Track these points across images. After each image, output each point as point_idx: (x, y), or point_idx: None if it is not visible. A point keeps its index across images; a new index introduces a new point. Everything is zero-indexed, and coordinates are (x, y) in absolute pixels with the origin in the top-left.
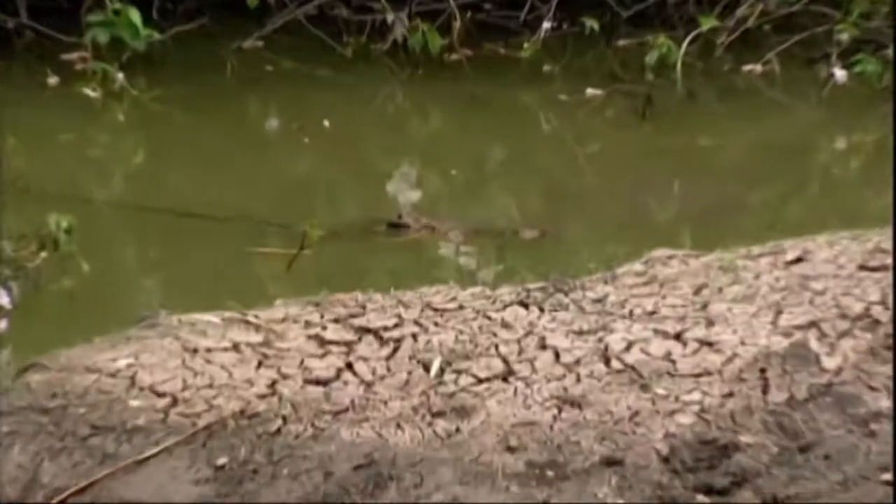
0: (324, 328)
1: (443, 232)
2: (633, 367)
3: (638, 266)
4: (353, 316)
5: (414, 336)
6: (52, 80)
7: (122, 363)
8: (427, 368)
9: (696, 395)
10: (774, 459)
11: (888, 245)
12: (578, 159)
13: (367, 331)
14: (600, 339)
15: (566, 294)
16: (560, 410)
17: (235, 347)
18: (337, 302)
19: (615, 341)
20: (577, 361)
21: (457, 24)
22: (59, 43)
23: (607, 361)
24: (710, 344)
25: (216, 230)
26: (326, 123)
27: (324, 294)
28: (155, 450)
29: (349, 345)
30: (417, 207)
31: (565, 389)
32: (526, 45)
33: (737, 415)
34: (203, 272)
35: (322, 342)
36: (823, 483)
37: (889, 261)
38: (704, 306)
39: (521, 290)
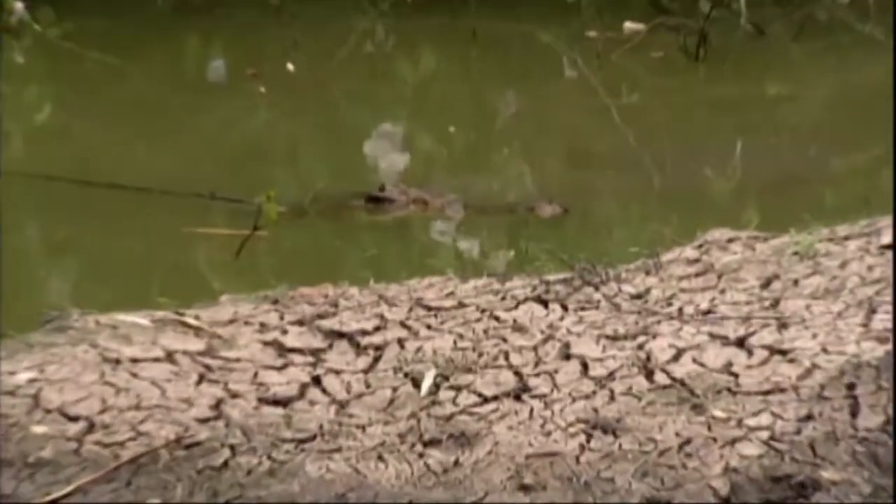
0: (284, 332)
1: (437, 207)
2: (682, 383)
3: (689, 251)
4: (321, 316)
5: (400, 342)
6: None
7: (22, 378)
8: (417, 384)
9: (764, 419)
10: (866, 501)
11: None
12: (611, 114)
13: (340, 335)
14: (640, 346)
15: (596, 288)
16: (589, 438)
17: (170, 357)
18: (301, 298)
19: (660, 349)
20: (611, 375)
21: None
22: None
23: (649, 375)
24: (782, 352)
25: (144, 205)
26: (290, 67)
27: (284, 288)
28: (66, 489)
29: (316, 353)
30: (405, 176)
31: (595, 411)
32: None
33: (818, 444)
34: (128, 260)
35: (281, 350)
36: None
37: None
38: (775, 303)
39: (538, 283)
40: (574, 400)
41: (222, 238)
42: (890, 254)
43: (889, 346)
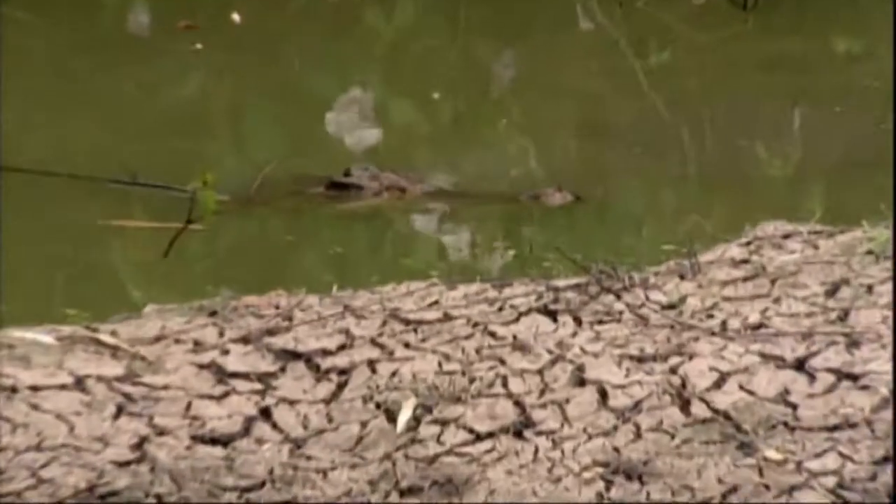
0: (224, 352)
1: (417, 195)
2: (726, 415)
3: (735, 250)
4: (271, 332)
5: (371, 365)
6: None
7: None
8: (392, 417)
9: (830, 461)
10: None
11: None
12: (638, 77)
13: (296, 356)
14: (673, 370)
15: (618, 295)
16: (609, 486)
17: (80, 384)
18: (246, 309)
19: (698, 373)
20: (636, 406)
21: None
22: None
23: (685, 405)
24: (852, 377)
25: (52, 192)
26: (235, 18)
27: (224, 296)
28: None
29: (265, 379)
30: (377, 156)
31: (617, 451)
32: None
33: None
34: (27, 262)
35: (221, 375)
36: None
37: None
38: (843, 316)
39: (544, 290)
40: (590, 437)
41: (146, 233)
42: None
43: None
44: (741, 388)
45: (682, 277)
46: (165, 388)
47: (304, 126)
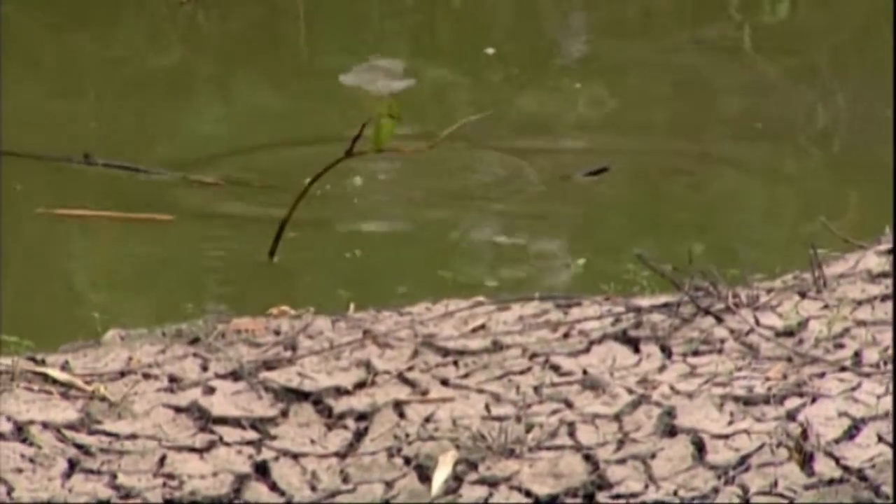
0: (209, 391)
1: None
2: (860, 475)
3: (872, 259)
4: (269, 365)
5: (398, 408)
6: None
7: None
8: (426, 476)
9: None
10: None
11: None
12: (743, 36)
13: (301, 396)
14: (791, 415)
15: (718, 318)
16: None
17: (21, 433)
18: (236, 335)
19: (823, 419)
20: (743, 462)
21: None
22: None
23: (807, 461)
24: None
25: None
26: None
27: (209, 318)
28: None
29: (262, 426)
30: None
31: None
32: None
33: None
34: None
35: (205, 421)
36: None
37: None
38: None
39: (622, 311)
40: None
41: (104, 226)
42: None
43: None
44: (880, 439)
45: (802, 295)
46: (132, 437)
47: (312, 92)
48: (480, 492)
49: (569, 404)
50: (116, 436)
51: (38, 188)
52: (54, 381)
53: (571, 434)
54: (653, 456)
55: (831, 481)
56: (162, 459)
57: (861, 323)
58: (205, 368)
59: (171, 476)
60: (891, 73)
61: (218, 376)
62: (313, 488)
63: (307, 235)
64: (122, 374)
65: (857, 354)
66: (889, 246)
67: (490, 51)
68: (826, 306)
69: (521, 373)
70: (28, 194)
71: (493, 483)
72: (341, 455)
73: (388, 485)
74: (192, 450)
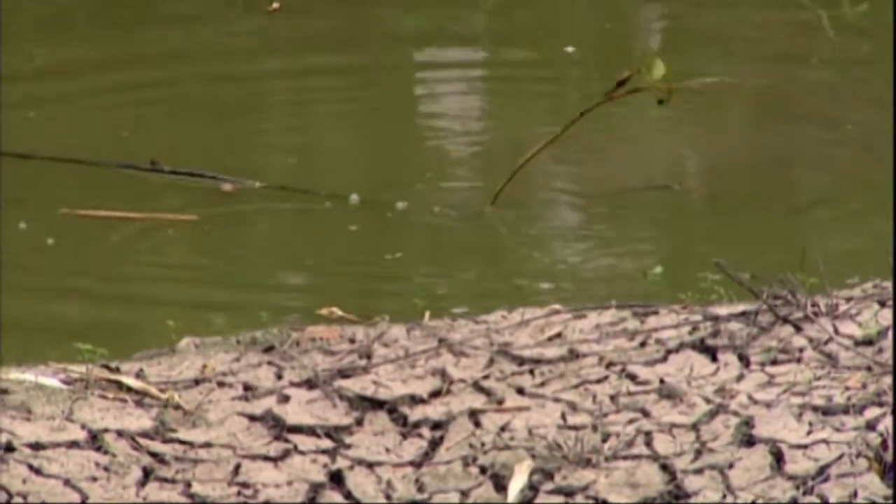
0: (284, 399)
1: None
2: None
3: None
4: (344, 374)
5: (474, 416)
6: None
7: None
8: (502, 485)
9: None
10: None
11: None
12: (821, 29)
13: (376, 405)
14: (871, 425)
15: (797, 327)
16: None
17: (95, 441)
18: (311, 344)
19: None
20: (822, 472)
21: None
22: None
23: (887, 471)
24: None
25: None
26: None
27: (283, 326)
28: None
29: (337, 435)
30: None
31: None
32: None
33: None
34: (27, 272)
35: (279, 429)
36: None
37: None
38: None
39: (700, 319)
40: None
41: (177, 227)
42: None
43: None
44: None
45: (881, 304)
46: (207, 445)
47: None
48: (556, 501)
49: (645, 413)
50: (191, 444)
51: (88, 192)
52: (129, 389)
53: (648, 443)
54: (730, 466)
55: None
56: (236, 468)
57: None
58: (279, 376)
59: (245, 485)
60: None
61: (293, 384)
62: (388, 497)
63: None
64: (197, 382)
65: None
66: None
67: (570, 48)
68: None
69: (598, 381)
70: (79, 197)
71: (569, 493)
72: (416, 464)
73: (464, 494)
74: (267, 458)
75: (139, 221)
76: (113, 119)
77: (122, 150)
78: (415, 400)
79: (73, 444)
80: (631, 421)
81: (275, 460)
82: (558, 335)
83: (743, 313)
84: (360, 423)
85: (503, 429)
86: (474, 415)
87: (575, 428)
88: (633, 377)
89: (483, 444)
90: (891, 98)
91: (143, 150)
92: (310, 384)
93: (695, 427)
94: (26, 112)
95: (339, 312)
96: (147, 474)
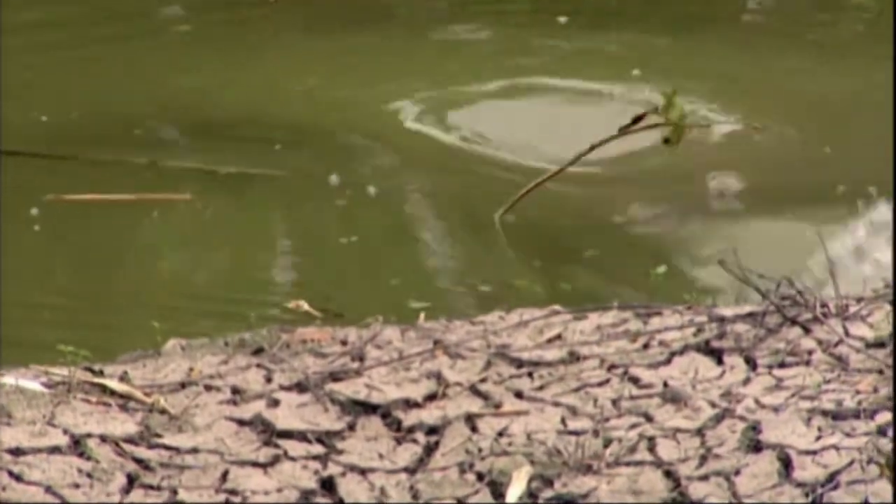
0: (273, 403)
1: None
2: None
3: None
4: (336, 376)
5: (470, 421)
6: None
7: None
8: (500, 492)
9: None
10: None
11: None
12: None
13: (369, 409)
14: (882, 431)
15: (806, 329)
16: None
17: (77, 446)
18: (301, 345)
19: None
20: (832, 479)
21: None
22: None
23: None
24: None
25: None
26: None
27: (272, 327)
28: None
29: (328, 440)
30: None
31: None
32: None
33: None
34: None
35: (269, 434)
36: None
37: None
38: None
39: (705, 321)
40: None
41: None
42: None
43: None
44: None
45: (894, 304)
46: (194, 451)
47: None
48: None
49: (649, 418)
50: (177, 450)
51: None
52: (112, 393)
53: (651, 449)
54: (737, 472)
55: None
56: (224, 474)
57: None
58: (269, 380)
59: (233, 492)
60: None
61: (282, 388)
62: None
63: None
64: (183, 385)
65: None
66: None
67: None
68: None
69: (599, 385)
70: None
71: (569, 500)
72: (411, 470)
73: (460, 501)
74: (256, 464)
75: (128, 205)
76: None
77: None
78: (409, 404)
79: (55, 450)
80: (633, 426)
81: (264, 466)
82: (558, 337)
83: (749, 314)
84: (352, 427)
85: (501, 434)
86: (471, 419)
87: (575, 433)
88: (635, 380)
89: (480, 450)
90: (891, 98)
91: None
92: (300, 388)
93: (700, 432)
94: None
95: (306, 307)
96: (131, 481)
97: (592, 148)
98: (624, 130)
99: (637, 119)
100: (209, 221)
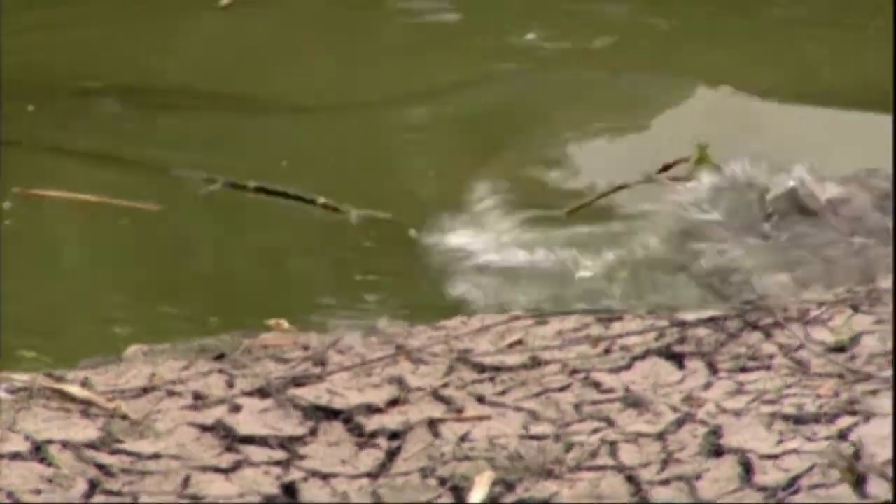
0: (235, 409)
1: None
2: None
3: None
4: (298, 382)
5: (432, 426)
6: None
7: None
8: (462, 497)
9: None
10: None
11: None
12: None
13: (331, 414)
14: (843, 435)
15: (767, 333)
16: None
17: (38, 452)
18: (263, 351)
19: (876, 439)
20: (793, 483)
21: None
22: None
23: (859, 483)
24: None
25: None
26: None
27: (234, 333)
28: None
29: (290, 446)
30: None
31: None
32: None
33: None
34: None
35: (231, 440)
36: None
37: None
38: None
39: (666, 325)
40: None
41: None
42: None
43: None
44: None
45: (855, 309)
46: (155, 457)
47: None
48: None
49: (610, 423)
50: (138, 455)
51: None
52: (73, 399)
53: (613, 454)
54: (698, 477)
55: None
56: (186, 480)
57: None
58: (230, 385)
59: (195, 497)
60: None
61: (244, 393)
62: None
63: None
64: (145, 391)
65: None
66: None
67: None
68: (879, 321)
69: (561, 390)
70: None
71: None
72: (373, 475)
73: None
74: (218, 470)
75: (95, 206)
76: None
77: None
78: (371, 409)
79: (16, 456)
80: (595, 430)
81: (226, 472)
82: (519, 342)
83: (711, 319)
84: (314, 433)
85: (463, 439)
86: (433, 424)
87: (537, 438)
88: (597, 385)
89: (442, 455)
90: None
91: None
92: (262, 393)
93: (661, 437)
94: None
95: (286, 325)
96: (93, 487)
97: (619, 188)
98: (650, 177)
99: (666, 167)
100: (174, 226)
